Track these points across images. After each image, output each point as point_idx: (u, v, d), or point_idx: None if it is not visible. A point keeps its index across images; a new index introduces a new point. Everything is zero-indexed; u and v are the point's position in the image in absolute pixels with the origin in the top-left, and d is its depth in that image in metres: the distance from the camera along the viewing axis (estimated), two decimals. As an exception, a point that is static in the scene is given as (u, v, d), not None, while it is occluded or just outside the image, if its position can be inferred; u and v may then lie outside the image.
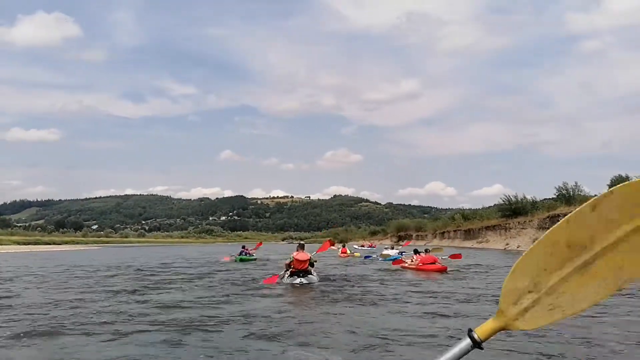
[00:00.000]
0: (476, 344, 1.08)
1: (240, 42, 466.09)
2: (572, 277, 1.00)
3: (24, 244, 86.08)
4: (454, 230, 67.51)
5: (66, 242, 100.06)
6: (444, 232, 72.51)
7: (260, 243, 35.27)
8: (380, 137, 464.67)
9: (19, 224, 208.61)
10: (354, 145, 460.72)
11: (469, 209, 73.33)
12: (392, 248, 32.78)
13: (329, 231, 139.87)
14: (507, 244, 44.21)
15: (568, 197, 42.00)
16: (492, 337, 1.10)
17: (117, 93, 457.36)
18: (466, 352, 1.08)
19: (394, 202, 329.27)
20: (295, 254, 14.98)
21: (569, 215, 1.03)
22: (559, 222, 1.04)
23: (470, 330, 1.10)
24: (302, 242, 18.42)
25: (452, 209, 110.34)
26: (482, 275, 17.69)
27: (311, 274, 14.65)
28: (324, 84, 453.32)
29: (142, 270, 21.06)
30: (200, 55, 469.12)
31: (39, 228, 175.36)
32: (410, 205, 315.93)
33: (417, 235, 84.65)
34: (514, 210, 48.25)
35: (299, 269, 14.50)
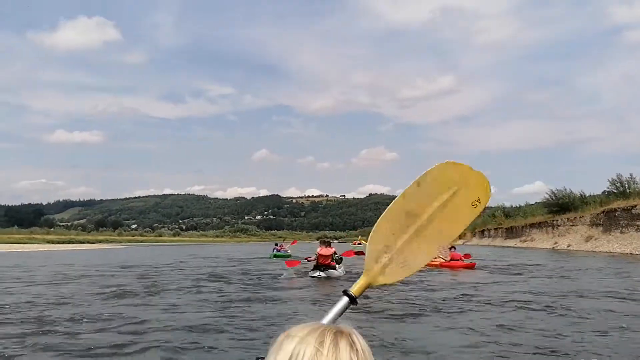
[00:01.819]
0: (352, 300, 1.25)
1: (276, 43, 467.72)
2: (412, 240, 1.24)
3: (58, 242, 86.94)
4: (495, 229, 63.21)
5: (100, 241, 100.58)
6: (483, 231, 68.23)
7: (295, 241, 35.25)
8: (416, 134, 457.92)
9: (61, 224, 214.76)
10: (390, 143, 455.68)
11: (511, 206, 68.11)
12: None
13: (363, 230, 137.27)
14: (556, 243, 40.05)
15: (623, 191, 37.67)
16: (364, 292, 1.30)
17: (157, 94, 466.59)
18: (345, 308, 1.25)
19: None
20: (319, 249, 16.26)
21: (405, 190, 1.27)
22: (398, 196, 1.28)
23: (345, 290, 1.27)
24: (327, 239, 18.88)
25: (491, 207, 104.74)
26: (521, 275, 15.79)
27: (333, 269, 15.66)
28: (359, 82, 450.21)
29: (148, 271, 19.43)
30: (237, 56, 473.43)
31: (79, 227, 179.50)
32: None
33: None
34: (561, 206, 44.06)
35: (322, 264, 15.60)
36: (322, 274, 15.28)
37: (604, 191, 43.75)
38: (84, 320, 7.95)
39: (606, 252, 30.21)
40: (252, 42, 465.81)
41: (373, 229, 1.32)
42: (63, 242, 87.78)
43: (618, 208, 32.25)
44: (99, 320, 7.92)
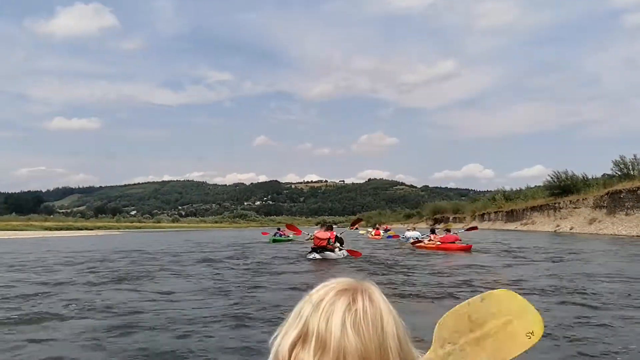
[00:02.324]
0: None
1: (276, 28, 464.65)
2: (472, 344, 1.29)
3: (56, 229, 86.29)
4: (495, 212, 62.40)
5: (98, 228, 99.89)
6: (483, 214, 67.45)
7: (300, 232, 35.86)
8: (416, 119, 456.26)
9: (61, 210, 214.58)
10: (390, 128, 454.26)
11: (511, 190, 67.19)
12: (414, 229, 30.70)
13: (362, 214, 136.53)
14: (558, 226, 39.35)
15: (627, 173, 36.88)
16: None
17: (156, 81, 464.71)
18: None
19: (430, 185, 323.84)
20: (316, 232, 16.91)
21: (471, 299, 1.31)
22: (465, 302, 1.32)
23: None
24: (328, 223, 19.30)
25: (490, 191, 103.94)
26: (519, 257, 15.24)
27: (330, 251, 15.90)
28: (359, 67, 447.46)
29: (140, 256, 18.74)
30: (237, 42, 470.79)
31: (79, 214, 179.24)
32: (446, 188, 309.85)
33: (455, 218, 79.72)
34: (563, 189, 43.28)
35: (318, 245, 15.98)
36: (317, 255, 15.71)
37: (604, 174, 43.05)
38: (70, 306, 7.46)
39: (611, 234, 29.56)
40: (252, 28, 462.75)
41: (443, 318, 1.32)
42: (61, 229, 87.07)
43: (623, 189, 31.47)
44: (83, 307, 7.43)
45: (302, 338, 0.84)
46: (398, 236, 30.71)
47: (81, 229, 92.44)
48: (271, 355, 0.89)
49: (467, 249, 17.85)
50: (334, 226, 18.83)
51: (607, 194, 33.49)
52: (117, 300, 7.97)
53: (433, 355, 1.29)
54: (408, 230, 30.67)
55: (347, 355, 0.79)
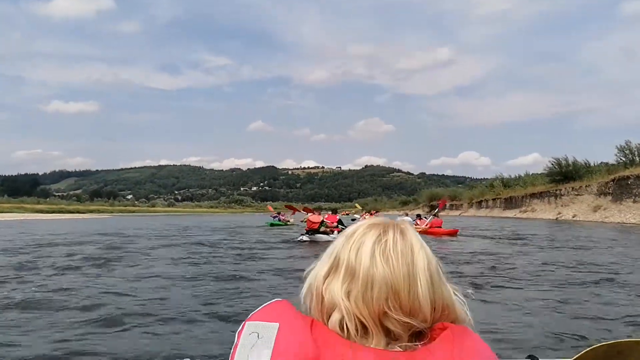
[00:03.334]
0: None
1: (275, 13, 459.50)
2: None
3: (48, 212, 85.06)
4: (493, 199, 61.12)
5: (91, 211, 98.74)
6: (481, 201, 66.24)
7: (295, 210, 36.54)
8: (413, 106, 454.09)
9: (57, 194, 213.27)
10: (386, 115, 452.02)
11: (510, 177, 65.63)
12: (407, 215, 31.01)
13: (357, 201, 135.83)
14: (560, 214, 38.10)
15: (632, 159, 35.58)
16: None
17: (154, 65, 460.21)
18: None
19: (426, 172, 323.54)
20: (309, 215, 17.89)
21: (598, 345, 1.22)
22: (593, 347, 1.21)
23: None
24: (324, 210, 21.86)
25: (486, 178, 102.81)
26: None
27: (324, 234, 16.66)
28: (356, 53, 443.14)
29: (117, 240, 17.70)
30: (236, 27, 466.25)
31: (74, 198, 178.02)
32: (443, 175, 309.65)
33: (452, 205, 78.62)
34: (565, 175, 41.99)
35: (309, 228, 16.96)
36: (306, 237, 16.45)
37: (601, 162, 41.83)
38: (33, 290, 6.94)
39: (617, 222, 28.32)
40: (250, 13, 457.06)
41: (594, 348, 1.24)
42: (53, 212, 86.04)
43: (631, 175, 30.16)
44: (52, 290, 6.93)
45: (334, 268, 0.86)
46: None
47: (73, 212, 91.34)
48: (305, 286, 0.91)
49: (454, 233, 18.42)
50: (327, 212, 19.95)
51: (613, 180, 32.17)
52: (70, 285, 7.41)
53: None
54: (399, 216, 30.40)
55: (374, 282, 0.81)
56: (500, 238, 17.67)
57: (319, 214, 17.86)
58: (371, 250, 0.83)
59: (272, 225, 30.46)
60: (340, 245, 0.88)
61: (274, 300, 0.88)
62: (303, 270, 0.92)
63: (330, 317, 0.84)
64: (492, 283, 7.46)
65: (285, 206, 30.04)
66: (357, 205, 55.17)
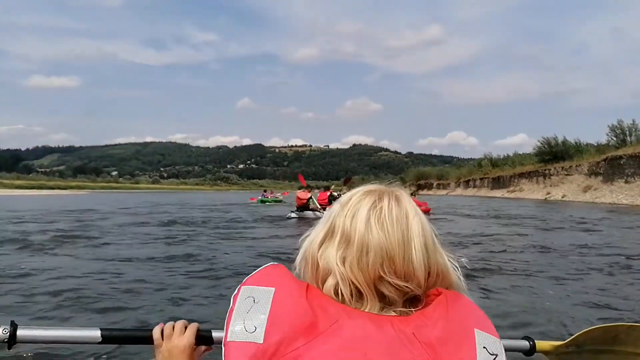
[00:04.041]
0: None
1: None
2: (597, 352, 1.24)
3: (27, 188, 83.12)
4: (481, 179, 60.53)
5: (72, 188, 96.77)
6: (468, 181, 65.66)
7: (287, 192, 39.91)
8: (401, 85, 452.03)
9: (40, 170, 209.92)
10: (375, 94, 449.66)
11: (498, 156, 64.83)
12: None
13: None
14: (549, 193, 37.34)
15: (623, 139, 34.87)
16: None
17: (138, 40, 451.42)
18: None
19: (414, 152, 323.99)
20: (298, 192, 18.63)
21: (594, 328, 1.20)
22: (588, 329, 1.20)
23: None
24: (313, 188, 21.99)
25: (474, 158, 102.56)
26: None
27: (312, 210, 17.10)
28: (345, 31, 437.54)
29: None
30: (223, 2, 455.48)
31: (57, 174, 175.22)
32: (430, 154, 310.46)
33: (439, 184, 78.05)
34: (554, 155, 41.24)
35: (298, 205, 17.54)
36: (294, 215, 16.99)
37: (587, 144, 41.24)
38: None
39: (609, 203, 27.54)
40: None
41: (591, 330, 1.24)
42: (32, 188, 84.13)
43: (624, 155, 29.29)
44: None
45: (329, 235, 0.87)
46: None
47: (54, 189, 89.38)
48: (300, 253, 0.92)
49: (426, 212, 17.98)
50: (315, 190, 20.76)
51: (604, 160, 31.36)
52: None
53: (549, 347, 1.21)
54: None
55: (369, 248, 0.82)
56: (488, 218, 17.04)
57: (309, 192, 18.25)
58: (366, 217, 0.84)
59: (262, 201, 31.51)
60: (335, 212, 0.89)
61: (269, 264, 0.88)
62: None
63: (325, 282, 0.84)
64: (482, 267, 6.50)
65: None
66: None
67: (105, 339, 1.00)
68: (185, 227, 13.18)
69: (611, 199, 28.08)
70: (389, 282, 0.80)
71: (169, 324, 0.98)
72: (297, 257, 0.91)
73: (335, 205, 0.90)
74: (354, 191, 0.90)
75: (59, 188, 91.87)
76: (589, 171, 33.61)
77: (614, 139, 35.90)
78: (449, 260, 0.88)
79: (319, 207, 17.47)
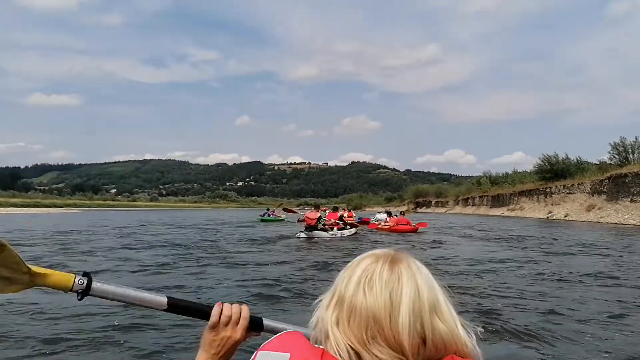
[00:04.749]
0: None
1: (264, 7, 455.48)
2: None
3: (22, 206, 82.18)
4: (480, 197, 59.67)
5: (68, 205, 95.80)
6: (467, 199, 64.79)
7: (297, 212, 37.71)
8: (399, 103, 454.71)
9: (39, 187, 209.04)
10: (373, 111, 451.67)
11: (497, 174, 63.81)
12: (385, 212, 30.38)
13: (343, 197, 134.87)
14: (550, 212, 36.43)
15: (626, 156, 34.08)
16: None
17: (138, 58, 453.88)
18: None
19: (412, 169, 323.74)
20: (307, 212, 18.80)
21: None
22: None
23: None
24: (318, 205, 22.02)
25: (471, 176, 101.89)
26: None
27: (323, 231, 17.02)
28: (344, 50, 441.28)
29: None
30: (223, 20, 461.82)
31: (55, 191, 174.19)
32: (428, 172, 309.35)
33: (437, 202, 77.15)
34: (555, 172, 40.46)
35: (308, 225, 17.15)
36: (302, 234, 16.98)
37: (587, 162, 40.52)
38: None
39: (615, 223, 26.56)
40: (238, 5, 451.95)
41: None
42: (27, 206, 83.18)
43: (629, 173, 28.42)
44: None
45: (331, 298, 0.88)
46: (368, 219, 28.68)
47: (49, 207, 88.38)
48: (314, 314, 0.92)
49: (414, 230, 19.70)
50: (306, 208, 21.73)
51: (609, 178, 30.49)
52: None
53: None
54: (379, 212, 30.73)
55: (356, 310, 0.82)
56: (496, 240, 16.17)
57: (318, 211, 18.05)
58: (357, 280, 0.84)
59: (262, 221, 30.67)
60: (339, 276, 0.90)
61: (287, 331, 0.92)
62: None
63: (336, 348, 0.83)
64: (495, 307, 5.60)
65: (284, 209, 31.65)
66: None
67: (170, 307, 1.07)
68: (178, 250, 12.23)
69: (617, 219, 27.12)
70: (378, 349, 0.78)
71: (227, 307, 1.03)
72: (312, 319, 0.91)
73: (341, 271, 0.91)
74: (362, 255, 0.91)
75: (55, 206, 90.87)
76: (591, 189, 32.78)
77: (616, 156, 35.12)
78: (463, 327, 0.84)
79: (333, 225, 17.83)
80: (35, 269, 1.02)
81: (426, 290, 0.83)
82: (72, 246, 13.24)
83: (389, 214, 23.33)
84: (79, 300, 1.04)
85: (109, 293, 1.04)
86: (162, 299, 1.06)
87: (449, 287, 0.85)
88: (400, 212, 23.17)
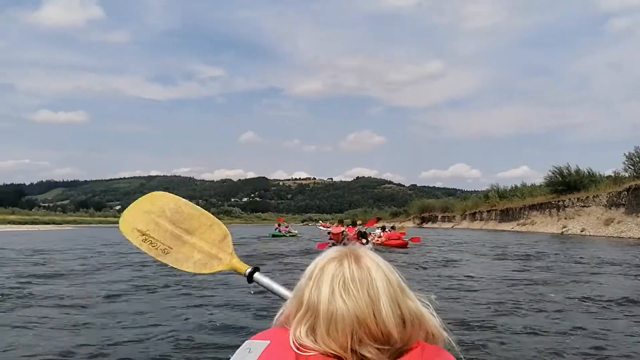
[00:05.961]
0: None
1: (269, 24, 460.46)
2: None
3: (20, 223, 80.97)
4: (488, 211, 57.57)
5: (67, 222, 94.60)
6: (474, 213, 62.65)
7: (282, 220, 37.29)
8: (404, 118, 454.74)
9: (44, 204, 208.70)
10: (378, 126, 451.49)
11: (505, 188, 61.59)
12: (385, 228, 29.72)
13: (348, 212, 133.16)
14: (565, 227, 34.39)
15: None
16: None
17: (145, 75, 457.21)
18: None
19: (417, 184, 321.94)
20: (332, 227, 20.39)
21: None
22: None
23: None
24: (344, 220, 23.21)
25: (477, 191, 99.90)
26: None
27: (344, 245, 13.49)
28: (348, 65, 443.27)
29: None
30: (229, 38, 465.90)
31: (59, 208, 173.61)
32: (434, 187, 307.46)
33: (443, 217, 75.04)
34: (568, 185, 38.51)
35: (336, 240, 18.25)
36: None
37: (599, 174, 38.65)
38: None
39: (638, 237, 24.53)
40: (245, 24, 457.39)
41: None
42: (26, 223, 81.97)
43: (650, 184, 26.48)
44: None
45: (297, 309, 0.87)
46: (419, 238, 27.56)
47: (48, 224, 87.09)
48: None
49: (404, 245, 19.95)
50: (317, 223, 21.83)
51: (627, 190, 28.55)
52: None
53: None
54: (378, 228, 28.90)
55: (337, 318, 0.80)
56: (512, 258, 14.24)
57: (339, 226, 18.74)
58: (330, 287, 0.82)
59: (274, 236, 30.49)
60: (303, 285, 0.87)
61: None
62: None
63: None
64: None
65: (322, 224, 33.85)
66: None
67: None
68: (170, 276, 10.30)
69: (639, 234, 25.14)
70: (366, 348, 0.78)
71: None
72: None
73: (302, 279, 0.88)
74: (317, 259, 0.89)
75: (53, 223, 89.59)
76: (608, 202, 30.82)
77: (632, 167, 33.17)
78: (418, 299, 0.86)
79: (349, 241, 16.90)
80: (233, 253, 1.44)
81: (391, 275, 0.84)
82: None
83: (382, 228, 23.92)
84: (248, 283, 1.50)
85: (264, 283, 1.45)
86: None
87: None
88: (391, 227, 24.16)
